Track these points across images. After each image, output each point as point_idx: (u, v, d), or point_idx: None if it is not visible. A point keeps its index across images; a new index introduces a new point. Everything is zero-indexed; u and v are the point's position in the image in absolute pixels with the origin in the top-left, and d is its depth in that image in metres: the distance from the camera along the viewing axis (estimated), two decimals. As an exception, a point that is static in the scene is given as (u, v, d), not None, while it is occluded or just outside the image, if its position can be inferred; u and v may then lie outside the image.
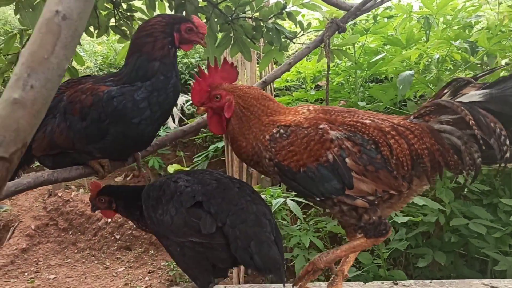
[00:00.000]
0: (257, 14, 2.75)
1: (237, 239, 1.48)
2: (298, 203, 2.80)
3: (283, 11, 2.72)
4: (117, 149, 1.62)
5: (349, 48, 3.30)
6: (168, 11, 2.71)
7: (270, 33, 2.74)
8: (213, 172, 1.79)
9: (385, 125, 1.52)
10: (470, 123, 1.37)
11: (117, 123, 1.52)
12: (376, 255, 2.85)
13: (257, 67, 4.38)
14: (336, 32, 2.17)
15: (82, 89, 1.59)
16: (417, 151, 1.47)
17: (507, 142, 1.38)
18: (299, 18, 2.82)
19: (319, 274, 1.67)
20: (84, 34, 2.80)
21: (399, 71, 2.95)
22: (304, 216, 3.11)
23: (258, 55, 4.44)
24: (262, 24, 2.75)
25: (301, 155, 1.47)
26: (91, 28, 2.83)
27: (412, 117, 1.58)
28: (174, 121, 6.08)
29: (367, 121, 1.54)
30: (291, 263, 2.92)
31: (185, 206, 1.56)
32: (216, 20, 2.55)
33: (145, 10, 2.87)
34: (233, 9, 2.66)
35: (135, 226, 2.09)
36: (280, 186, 3.62)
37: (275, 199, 2.85)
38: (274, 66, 4.50)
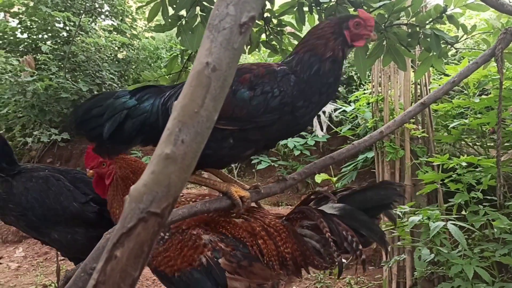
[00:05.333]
0: (413, 19, 2.54)
1: None
2: (461, 227, 2.49)
3: (443, 14, 2.47)
4: (275, 134, 1.53)
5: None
6: (317, 24, 2.67)
7: (428, 39, 2.50)
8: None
9: (256, 224, 1.60)
10: (324, 231, 1.52)
11: (286, 100, 1.43)
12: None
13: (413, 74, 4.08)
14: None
15: (249, 65, 1.52)
16: (282, 253, 1.57)
17: (359, 247, 1.54)
18: (461, 20, 2.54)
19: None
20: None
21: None
22: (468, 241, 2.75)
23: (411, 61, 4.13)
24: (418, 30, 2.54)
25: (175, 260, 1.54)
26: (243, 45, 2.93)
27: (284, 218, 1.68)
28: (322, 129, 6.05)
29: (238, 221, 1.60)
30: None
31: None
32: (368, 29, 2.40)
33: (295, 24, 2.87)
34: (386, 16, 2.51)
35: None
36: (438, 206, 3.28)
37: (433, 222, 2.57)
38: (431, 73, 4.14)
